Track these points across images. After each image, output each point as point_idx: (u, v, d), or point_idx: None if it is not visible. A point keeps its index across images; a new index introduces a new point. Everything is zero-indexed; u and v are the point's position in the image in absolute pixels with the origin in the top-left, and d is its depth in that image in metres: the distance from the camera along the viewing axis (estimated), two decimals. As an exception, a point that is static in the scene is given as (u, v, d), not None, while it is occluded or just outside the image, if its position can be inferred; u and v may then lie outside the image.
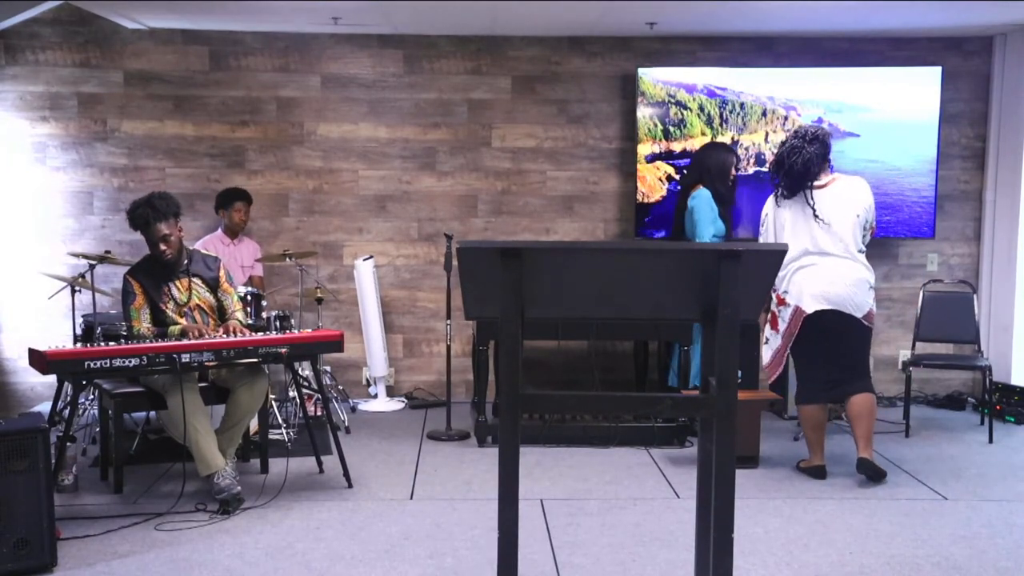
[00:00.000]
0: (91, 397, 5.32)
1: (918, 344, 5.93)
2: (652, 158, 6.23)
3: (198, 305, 4.56)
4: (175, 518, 4.06)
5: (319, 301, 5.79)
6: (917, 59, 6.30)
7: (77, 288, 5.25)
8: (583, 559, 3.64)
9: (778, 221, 4.62)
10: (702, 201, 5.31)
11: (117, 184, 6.27)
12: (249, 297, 5.36)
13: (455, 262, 2.67)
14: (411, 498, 4.39)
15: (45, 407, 5.67)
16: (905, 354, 6.19)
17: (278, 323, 5.35)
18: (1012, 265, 6.21)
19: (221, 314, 4.63)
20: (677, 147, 6.22)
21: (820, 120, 6.10)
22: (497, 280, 2.47)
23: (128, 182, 6.27)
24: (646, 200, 6.26)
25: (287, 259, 5.69)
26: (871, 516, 4.13)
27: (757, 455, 4.90)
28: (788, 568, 3.57)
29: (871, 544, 3.80)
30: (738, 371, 2.60)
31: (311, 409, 5.67)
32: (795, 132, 4.63)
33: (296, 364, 4.86)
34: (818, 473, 4.67)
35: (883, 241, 6.21)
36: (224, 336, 4.34)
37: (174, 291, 4.50)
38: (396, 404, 6.30)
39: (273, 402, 5.27)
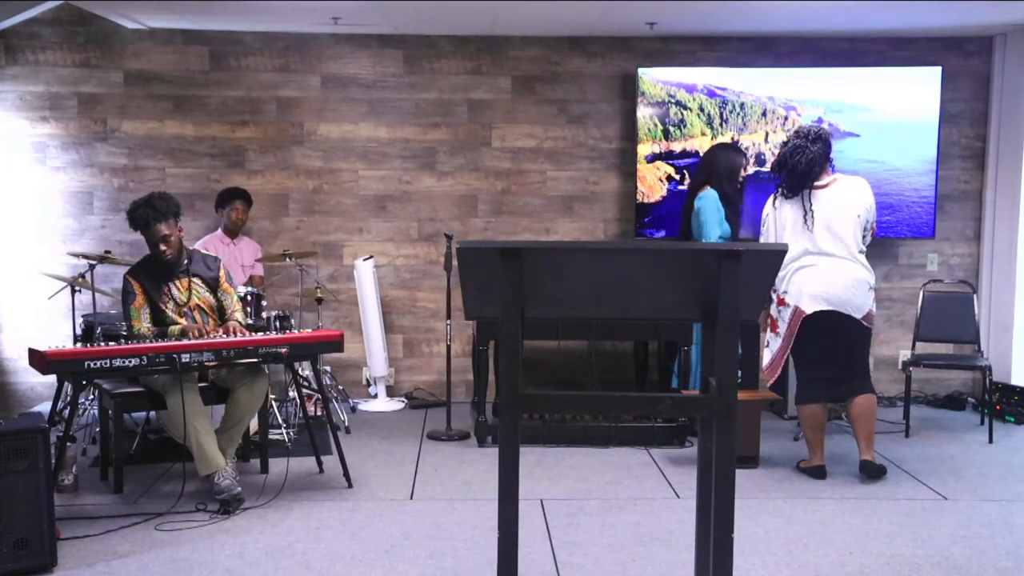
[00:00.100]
0: (91, 397, 5.32)
1: (918, 344, 5.93)
2: (652, 158, 6.23)
3: (198, 305, 4.56)
4: (175, 518, 4.06)
5: (319, 301, 5.79)
6: (917, 59, 6.30)
7: (77, 288, 5.25)
8: (583, 559, 3.64)
9: (779, 221, 4.62)
10: (709, 202, 5.23)
11: (117, 184, 6.27)
12: (249, 297, 5.36)
13: (455, 262, 2.67)
14: (411, 498, 4.39)
15: (45, 407, 5.67)
16: (905, 354, 6.19)
17: (278, 323, 5.35)
18: (1012, 265, 6.21)
19: (221, 314, 4.63)
20: (677, 147, 6.22)
21: (820, 120, 6.10)
22: (497, 280, 2.47)
23: (128, 182, 6.27)
24: (646, 200, 6.26)
25: (287, 259, 5.69)
26: (871, 516, 4.13)
27: (757, 455, 4.90)
28: (788, 568, 3.57)
29: (871, 544, 3.80)
30: (738, 371, 2.60)
31: (311, 409, 5.67)
32: (797, 132, 4.62)
33: (296, 364, 4.86)
34: (818, 473, 4.67)
35: (883, 241, 6.21)
36: (224, 336, 4.34)
37: (174, 291, 4.50)
38: (396, 404, 6.30)
39: (273, 402, 5.27)
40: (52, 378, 4.77)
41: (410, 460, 5.04)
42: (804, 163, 4.49)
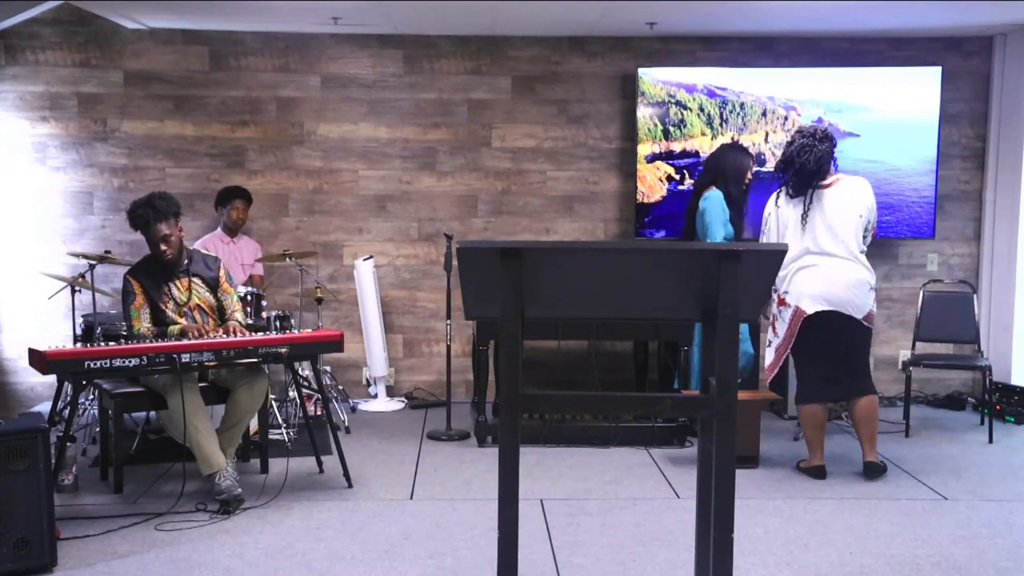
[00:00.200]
0: (91, 397, 5.32)
1: (918, 344, 5.93)
2: (652, 158, 6.23)
3: (198, 305, 4.56)
4: (175, 518, 4.06)
5: (319, 301, 5.79)
6: (917, 59, 6.30)
7: (77, 288, 5.25)
8: (583, 559, 3.64)
9: (781, 220, 4.61)
10: (714, 202, 5.17)
11: (117, 184, 6.27)
12: (249, 297, 5.36)
13: (455, 262, 2.67)
14: (411, 498, 4.39)
15: (45, 407, 5.67)
16: (905, 354, 6.19)
17: (278, 323, 5.35)
18: (1012, 265, 6.21)
19: (221, 314, 4.63)
20: (677, 147, 6.22)
21: (820, 120, 6.10)
22: (497, 280, 2.47)
23: (128, 182, 6.27)
24: (646, 200, 6.26)
25: (287, 259, 5.69)
26: (871, 516, 4.13)
27: (757, 455, 4.90)
28: (788, 568, 3.57)
29: (871, 544, 3.80)
30: (738, 371, 2.60)
31: (311, 409, 5.67)
32: (801, 131, 4.59)
33: (296, 364, 4.86)
34: (818, 473, 4.67)
35: (883, 241, 6.21)
36: (224, 336, 4.34)
37: (174, 291, 4.50)
38: (396, 404, 6.30)
39: (273, 402, 5.27)
40: (52, 378, 4.78)
41: (410, 460, 5.04)
42: (813, 162, 4.47)
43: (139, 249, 5.01)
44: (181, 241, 4.49)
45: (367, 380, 6.47)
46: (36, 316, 6.17)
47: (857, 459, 4.81)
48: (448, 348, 5.71)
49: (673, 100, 6.18)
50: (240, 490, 4.22)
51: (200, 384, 4.42)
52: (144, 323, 4.41)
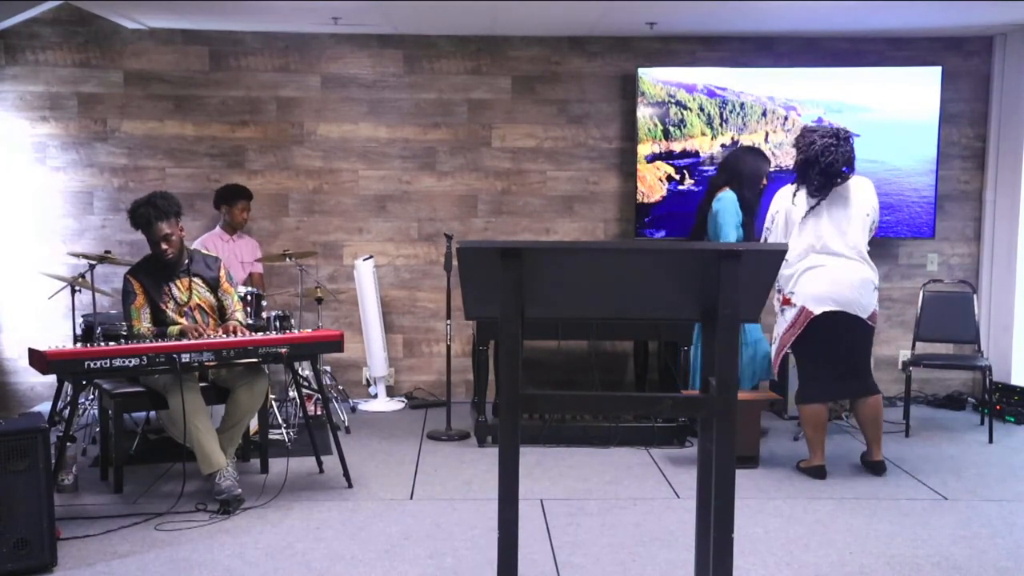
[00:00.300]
0: (91, 397, 5.32)
1: (918, 344, 5.93)
2: (652, 158, 6.23)
3: (198, 305, 4.56)
4: (175, 518, 4.06)
5: (319, 301, 5.79)
6: (917, 59, 6.30)
7: (77, 288, 5.25)
8: (583, 559, 3.64)
9: (790, 218, 4.60)
10: (727, 204, 5.11)
11: (117, 184, 6.27)
12: (249, 297, 5.36)
13: (455, 262, 2.67)
14: (411, 498, 4.39)
15: (45, 407, 5.67)
16: (905, 354, 6.19)
17: (278, 323, 5.35)
18: (1012, 265, 6.21)
19: (221, 314, 4.63)
20: (677, 147, 6.22)
21: (820, 120, 6.10)
22: (497, 280, 2.47)
23: (128, 182, 6.27)
24: (646, 200, 6.26)
25: (287, 259, 5.69)
26: (871, 516, 4.13)
27: (757, 455, 4.90)
28: (788, 568, 3.57)
29: (871, 544, 3.80)
30: (739, 371, 2.60)
31: (311, 409, 5.67)
32: (820, 132, 4.55)
33: (296, 364, 4.86)
34: (818, 473, 4.67)
35: (883, 241, 6.20)
36: (224, 336, 4.34)
37: (174, 291, 4.51)
38: (396, 404, 6.30)
39: (273, 402, 5.27)
40: (52, 378, 4.78)
41: (410, 460, 5.04)
42: (842, 161, 4.46)
43: (139, 249, 5.01)
44: (182, 241, 4.50)
45: (367, 380, 6.47)
46: (36, 316, 6.17)
47: (857, 459, 4.82)
48: (448, 348, 5.71)
49: (673, 100, 6.18)
50: (240, 490, 4.22)
51: (200, 384, 4.42)
52: (144, 323, 4.41)
